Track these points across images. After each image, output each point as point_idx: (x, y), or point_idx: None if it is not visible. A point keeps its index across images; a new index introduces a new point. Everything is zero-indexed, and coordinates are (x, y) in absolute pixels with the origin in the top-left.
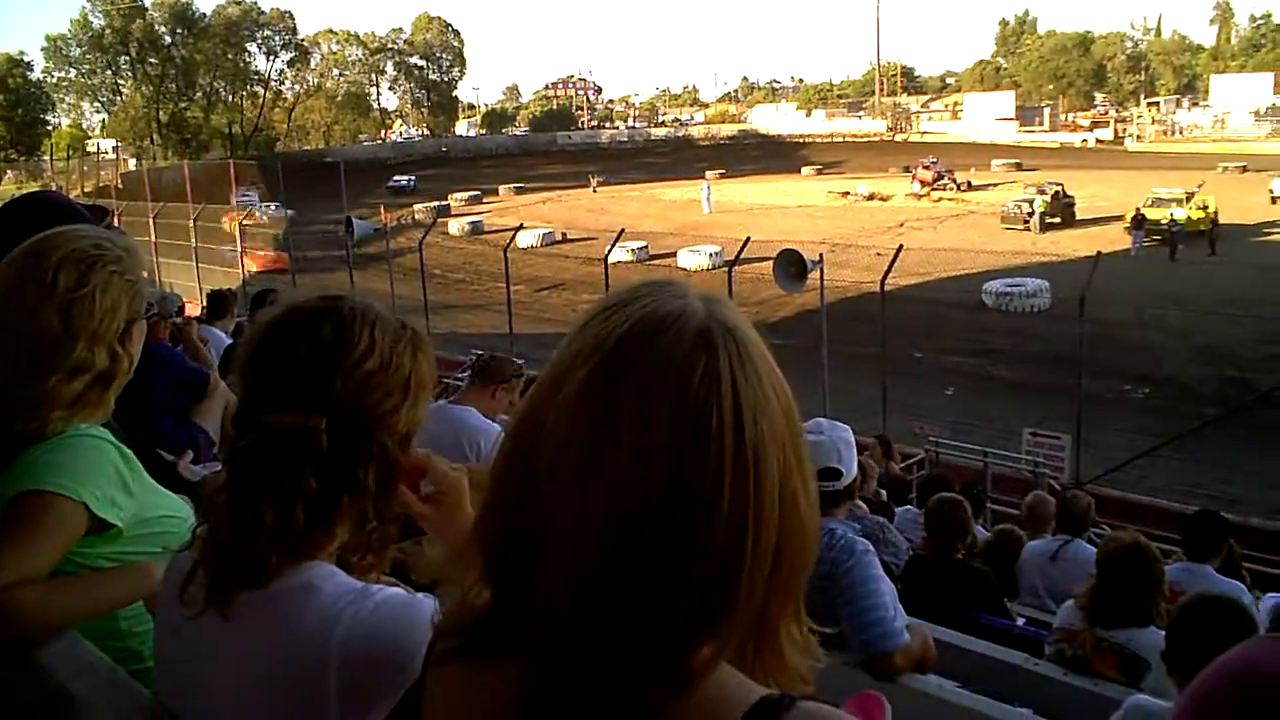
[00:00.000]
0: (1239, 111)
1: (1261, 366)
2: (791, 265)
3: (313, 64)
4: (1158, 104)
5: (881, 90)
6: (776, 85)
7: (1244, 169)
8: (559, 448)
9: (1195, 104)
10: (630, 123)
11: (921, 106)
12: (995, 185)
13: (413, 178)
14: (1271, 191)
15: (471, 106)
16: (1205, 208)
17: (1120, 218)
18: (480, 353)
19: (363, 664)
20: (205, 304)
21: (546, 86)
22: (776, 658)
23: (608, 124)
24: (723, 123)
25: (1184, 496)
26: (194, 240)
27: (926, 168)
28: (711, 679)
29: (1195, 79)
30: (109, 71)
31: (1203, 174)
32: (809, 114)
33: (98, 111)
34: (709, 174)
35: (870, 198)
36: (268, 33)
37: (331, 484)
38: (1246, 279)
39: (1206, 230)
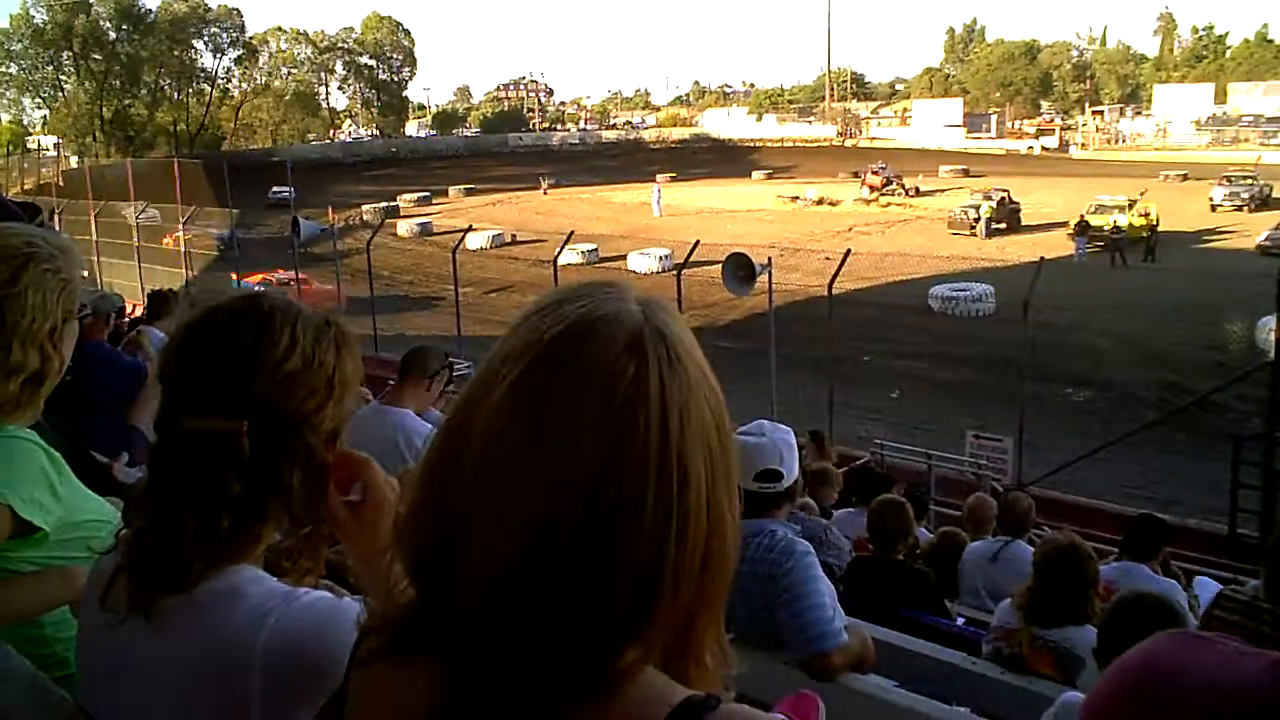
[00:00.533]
0: (1180, 121)
1: (1199, 371)
2: (740, 268)
3: (261, 62)
4: (1102, 112)
5: (832, 96)
6: (728, 89)
7: (1185, 177)
8: (488, 447)
9: (1138, 113)
10: (581, 125)
11: (871, 112)
12: (943, 191)
13: (293, 189)
14: (1211, 199)
15: (422, 107)
16: (1147, 215)
17: (1064, 224)
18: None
19: (288, 667)
20: (146, 304)
21: (498, 88)
22: (698, 664)
23: (559, 126)
24: (674, 126)
25: (1123, 498)
26: (136, 239)
27: (875, 173)
28: (637, 681)
29: (1139, 88)
30: (51, 67)
31: (1145, 182)
32: (760, 118)
33: (39, 108)
34: (660, 177)
35: (819, 202)
36: (215, 30)
37: (256, 486)
38: (1186, 285)
39: (1147, 237)
